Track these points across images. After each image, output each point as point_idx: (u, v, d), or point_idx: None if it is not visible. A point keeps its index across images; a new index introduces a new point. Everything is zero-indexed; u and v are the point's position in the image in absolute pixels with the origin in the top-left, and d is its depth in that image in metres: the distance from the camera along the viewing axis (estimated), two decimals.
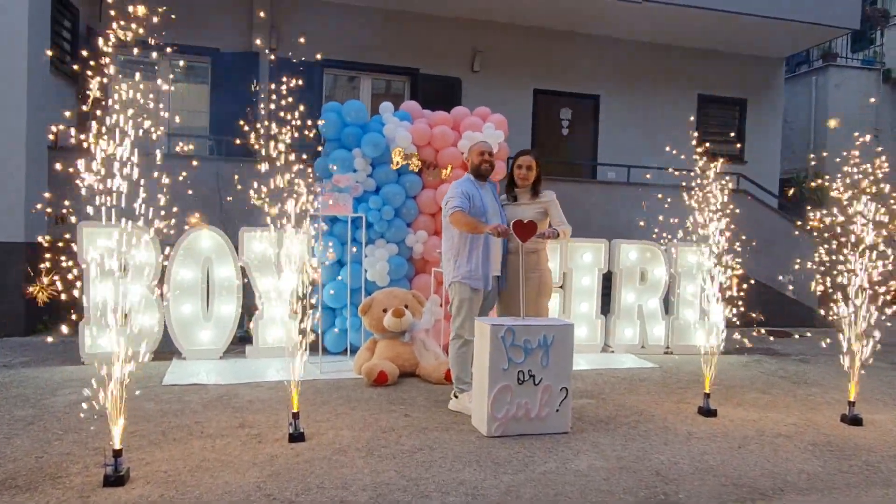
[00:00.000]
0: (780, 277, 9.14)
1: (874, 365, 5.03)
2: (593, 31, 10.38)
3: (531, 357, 3.89)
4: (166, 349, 5.75)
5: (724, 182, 4.85)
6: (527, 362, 3.88)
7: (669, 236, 6.20)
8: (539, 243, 4.55)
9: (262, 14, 9.18)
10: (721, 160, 4.91)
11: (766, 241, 8.60)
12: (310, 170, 5.92)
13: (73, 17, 7.90)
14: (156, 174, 3.79)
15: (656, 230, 6.55)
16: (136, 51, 3.44)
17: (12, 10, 6.62)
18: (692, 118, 10.22)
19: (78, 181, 3.21)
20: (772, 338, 8.06)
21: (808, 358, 6.89)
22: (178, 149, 7.59)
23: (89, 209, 3.20)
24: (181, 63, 9.41)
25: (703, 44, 10.79)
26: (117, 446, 3.01)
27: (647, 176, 9.22)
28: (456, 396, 4.45)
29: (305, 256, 5.75)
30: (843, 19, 10.12)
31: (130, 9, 3.35)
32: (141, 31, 3.44)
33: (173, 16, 4.83)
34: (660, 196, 6.42)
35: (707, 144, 5.15)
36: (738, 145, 11.00)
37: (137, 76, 9.04)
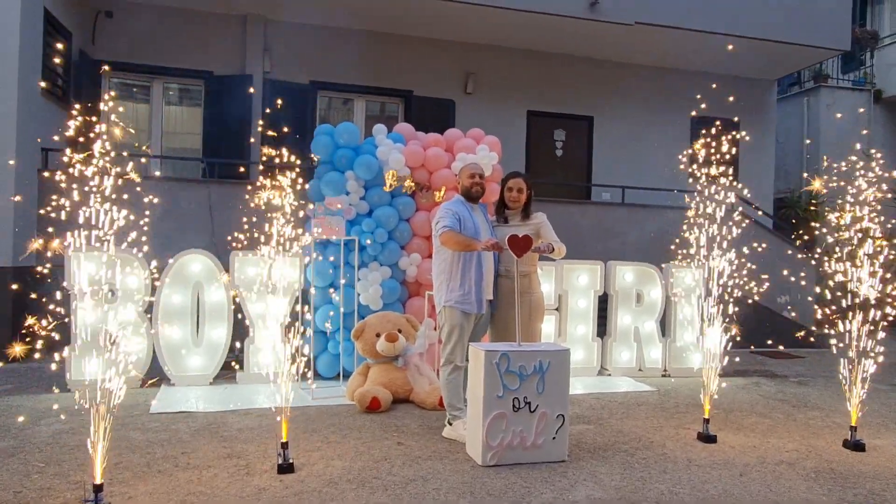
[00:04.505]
0: (779, 299, 9.09)
1: (875, 387, 4.96)
2: (586, 53, 10.43)
3: (526, 383, 3.80)
4: (155, 375, 5.64)
5: (729, 203, 4.84)
6: (522, 389, 3.80)
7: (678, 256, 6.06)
8: (530, 265, 4.49)
9: (255, 37, 9.20)
10: (732, 182, 4.92)
11: (761, 261, 8.57)
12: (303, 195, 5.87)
13: (65, 39, 7.88)
14: (146, 198, 3.73)
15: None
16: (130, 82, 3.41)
17: (3, 31, 6.58)
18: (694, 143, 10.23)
19: (67, 204, 3.15)
20: (754, 353, 7.98)
21: (807, 380, 6.80)
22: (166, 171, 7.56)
23: (78, 234, 3.14)
24: (174, 86, 9.41)
25: (695, 65, 10.85)
26: (98, 480, 2.90)
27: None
28: (450, 423, 4.35)
29: (298, 281, 5.71)
30: (833, 41, 10.21)
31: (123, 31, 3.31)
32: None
33: (167, 39, 4.82)
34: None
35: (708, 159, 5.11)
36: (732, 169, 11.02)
37: (131, 95, 9.05)
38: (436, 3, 8.54)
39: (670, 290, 6.84)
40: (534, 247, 4.16)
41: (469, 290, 4.27)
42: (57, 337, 3.25)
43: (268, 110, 4.78)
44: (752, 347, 8.13)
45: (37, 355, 3.22)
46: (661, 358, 6.88)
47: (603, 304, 6.91)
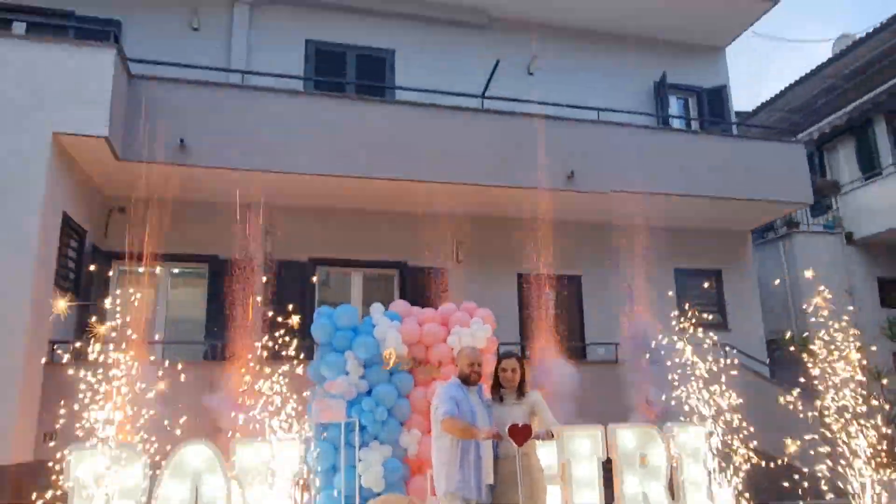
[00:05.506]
0: (786, 448, 8.93)
1: None
2: (568, 218, 11.07)
3: None
4: None
5: (719, 355, 5.02)
6: None
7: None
8: (528, 446, 4.55)
9: (258, 222, 9.82)
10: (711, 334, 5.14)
11: (761, 410, 8.53)
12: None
13: (79, 237, 8.39)
14: (146, 394, 3.87)
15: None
16: (140, 268, 3.70)
17: (24, 236, 7.02)
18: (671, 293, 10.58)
19: (71, 399, 3.28)
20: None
21: None
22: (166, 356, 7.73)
23: (80, 431, 3.24)
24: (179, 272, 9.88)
25: (674, 222, 11.48)
26: None
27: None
28: None
29: (299, 466, 5.69)
30: (797, 195, 10.98)
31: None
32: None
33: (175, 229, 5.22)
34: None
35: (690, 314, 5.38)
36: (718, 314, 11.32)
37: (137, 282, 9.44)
38: (425, 184, 9.29)
39: (673, 451, 6.79)
40: (534, 434, 4.27)
41: (468, 475, 4.31)
42: None
43: (270, 295, 5.15)
44: None
45: None
46: None
47: (608, 467, 6.81)
